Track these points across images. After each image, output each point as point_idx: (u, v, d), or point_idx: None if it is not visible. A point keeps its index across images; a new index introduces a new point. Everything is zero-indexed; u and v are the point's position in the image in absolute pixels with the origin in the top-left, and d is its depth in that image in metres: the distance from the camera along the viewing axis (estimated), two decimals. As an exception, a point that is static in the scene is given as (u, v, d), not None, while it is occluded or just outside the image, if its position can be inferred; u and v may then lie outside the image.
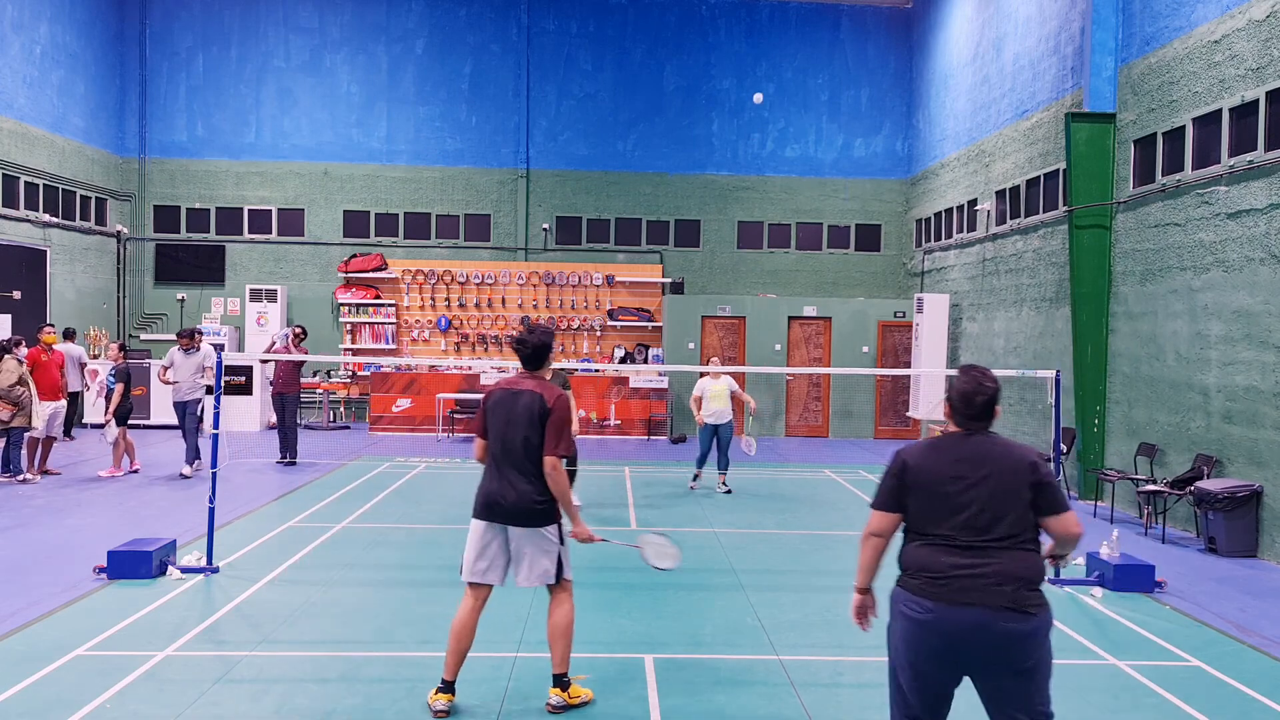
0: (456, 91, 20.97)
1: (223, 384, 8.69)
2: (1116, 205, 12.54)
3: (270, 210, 20.89)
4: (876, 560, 3.98)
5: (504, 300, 20.69)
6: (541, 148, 21.10)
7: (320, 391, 19.80)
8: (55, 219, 17.87)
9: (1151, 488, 10.61)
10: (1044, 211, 14.51)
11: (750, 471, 14.67)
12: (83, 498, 11.43)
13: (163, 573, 7.99)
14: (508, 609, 7.01)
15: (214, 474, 8.34)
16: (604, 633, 6.74)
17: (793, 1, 21.29)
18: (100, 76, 19.70)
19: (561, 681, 5.44)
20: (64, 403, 13.54)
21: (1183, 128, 11.19)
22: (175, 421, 17.52)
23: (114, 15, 20.17)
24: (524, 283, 20.71)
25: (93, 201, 19.40)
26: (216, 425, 8.43)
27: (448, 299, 20.64)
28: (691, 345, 19.27)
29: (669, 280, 20.87)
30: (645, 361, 19.98)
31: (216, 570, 8.14)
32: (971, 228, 17.51)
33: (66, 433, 16.64)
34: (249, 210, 20.87)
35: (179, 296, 20.40)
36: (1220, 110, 10.50)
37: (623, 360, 20.10)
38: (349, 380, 20.22)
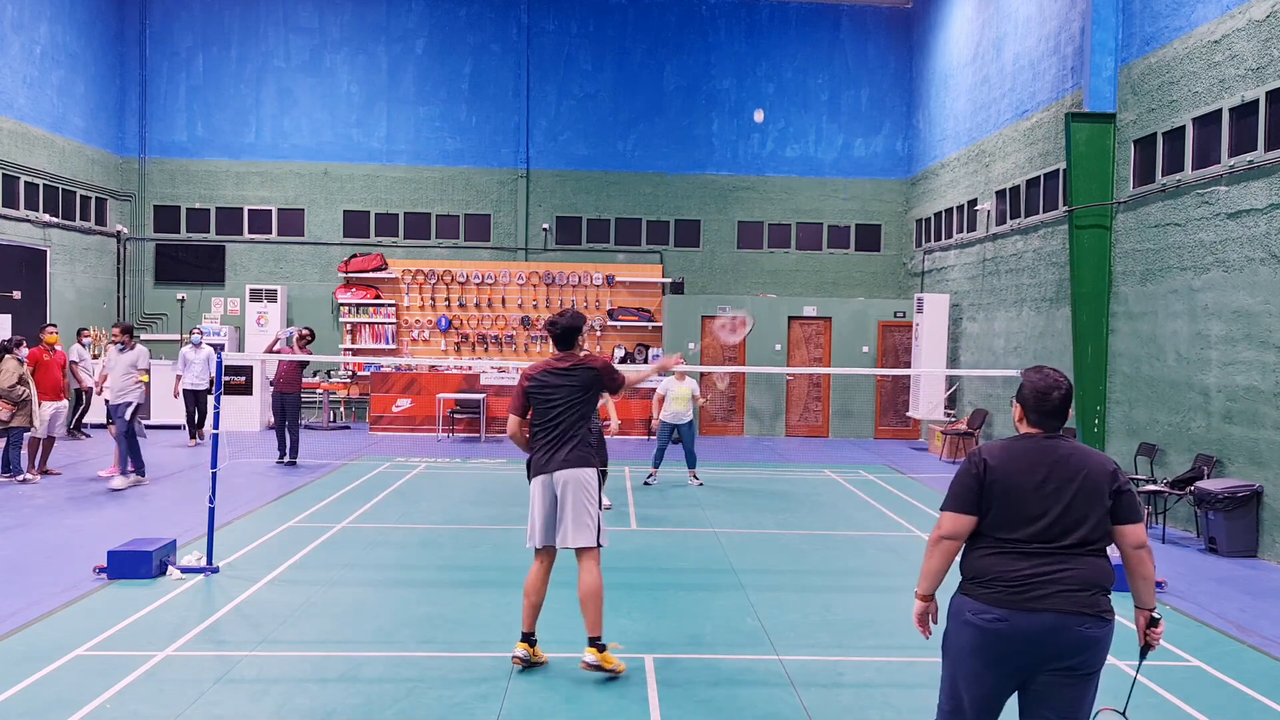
0: (456, 91, 20.97)
1: (223, 384, 8.69)
2: (1116, 205, 12.53)
3: (270, 210, 20.89)
4: (946, 566, 3.77)
5: (504, 300, 20.69)
6: (541, 148, 21.10)
7: (320, 391, 19.80)
8: (55, 219, 17.87)
9: (1152, 488, 10.61)
10: (1044, 211, 14.51)
11: (750, 471, 14.68)
12: (83, 498, 11.43)
13: (163, 573, 7.99)
14: (508, 611, 7.01)
15: (214, 474, 8.33)
16: (604, 633, 6.72)
17: (793, 1, 21.29)
18: (100, 76, 19.70)
19: (597, 644, 5.87)
20: (65, 403, 13.53)
21: (1183, 128, 11.19)
22: (176, 421, 17.67)
23: (114, 15, 20.17)
24: (524, 283, 20.70)
25: (93, 201, 19.40)
26: (216, 425, 8.43)
27: (448, 299, 20.64)
28: (692, 345, 19.26)
29: (669, 280, 20.87)
30: (645, 361, 19.97)
31: (216, 570, 8.14)
32: (971, 228, 17.51)
33: (79, 430, 16.64)
34: (249, 210, 20.87)
35: (179, 296, 20.40)
36: (1220, 110, 10.49)
37: (623, 360, 20.10)
38: (349, 380, 20.21)
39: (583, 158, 21.16)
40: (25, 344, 12.78)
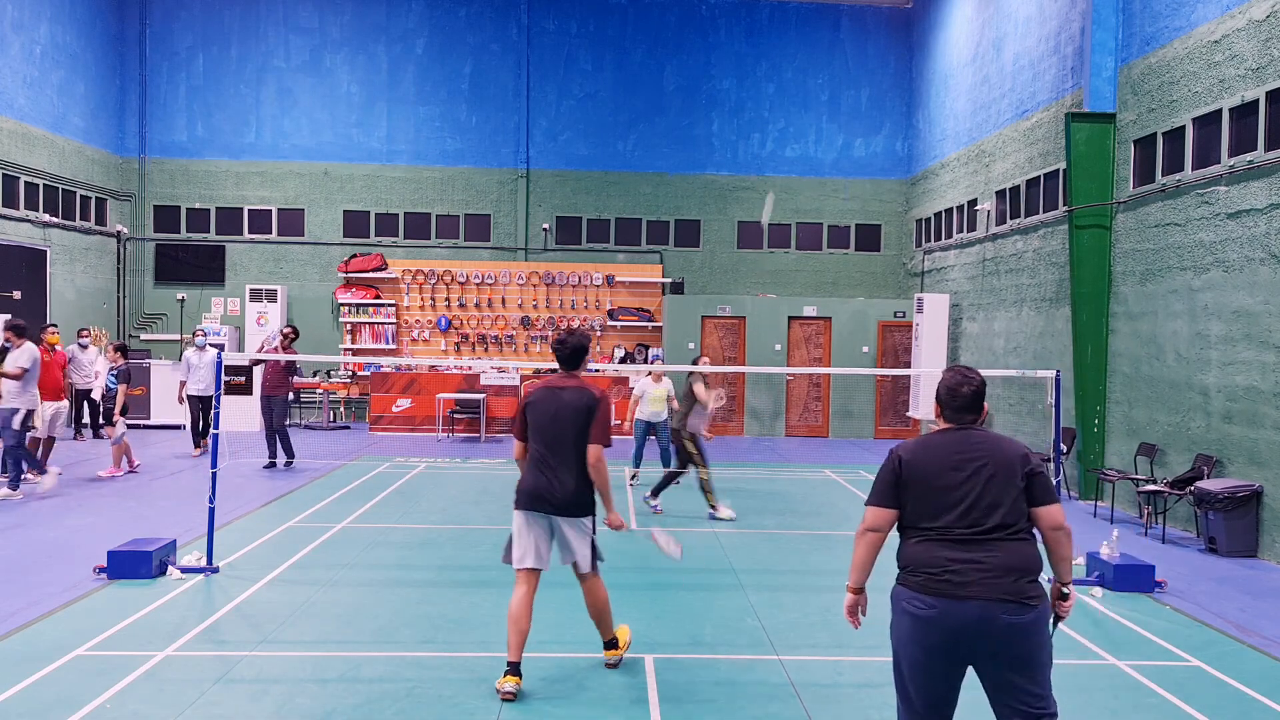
0: (456, 91, 20.98)
1: (223, 384, 8.69)
2: (1116, 205, 12.54)
3: (270, 210, 20.90)
4: (871, 558, 3.99)
5: (504, 300, 20.69)
6: (541, 148, 21.11)
7: (320, 391, 19.80)
8: (55, 219, 17.87)
9: (1151, 488, 10.61)
10: (1044, 211, 14.51)
11: (750, 471, 14.68)
12: (83, 498, 11.44)
13: (163, 573, 7.99)
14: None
15: (214, 474, 8.33)
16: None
17: (793, 1, 21.29)
18: (100, 76, 19.70)
19: (611, 644, 6.02)
20: (65, 403, 13.52)
21: (1183, 128, 11.19)
22: (176, 421, 17.65)
23: (114, 15, 20.17)
24: (524, 283, 20.71)
25: (93, 201, 19.40)
26: (217, 425, 8.44)
27: (448, 299, 20.64)
28: (691, 345, 19.27)
29: (669, 280, 20.87)
30: (645, 361, 19.97)
31: (216, 570, 8.14)
32: (971, 228, 17.51)
33: (96, 431, 16.44)
34: (249, 210, 20.87)
35: (179, 296, 20.40)
36: (1220, 110, 10.50)
37: (623, 360, 20.10)
38: (349, 380, 20.22)
39: (583, 158, 21.16)
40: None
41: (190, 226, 20.90)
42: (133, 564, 7.84)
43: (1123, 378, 12.33)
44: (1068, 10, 13.75)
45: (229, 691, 5.60)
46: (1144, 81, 11.99)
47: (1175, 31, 11.36)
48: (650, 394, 12.58)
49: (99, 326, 19.22)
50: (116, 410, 12.80)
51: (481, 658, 6.21)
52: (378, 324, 20.53)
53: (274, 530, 9.81)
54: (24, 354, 11.50)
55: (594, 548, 5.79)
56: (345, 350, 20.37)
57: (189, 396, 14.98)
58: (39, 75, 17.50)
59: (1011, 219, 15.73)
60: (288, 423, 14.43)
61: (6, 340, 11.69)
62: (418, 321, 20.62)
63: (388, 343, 20.52)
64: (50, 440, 13.04)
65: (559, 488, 5.62)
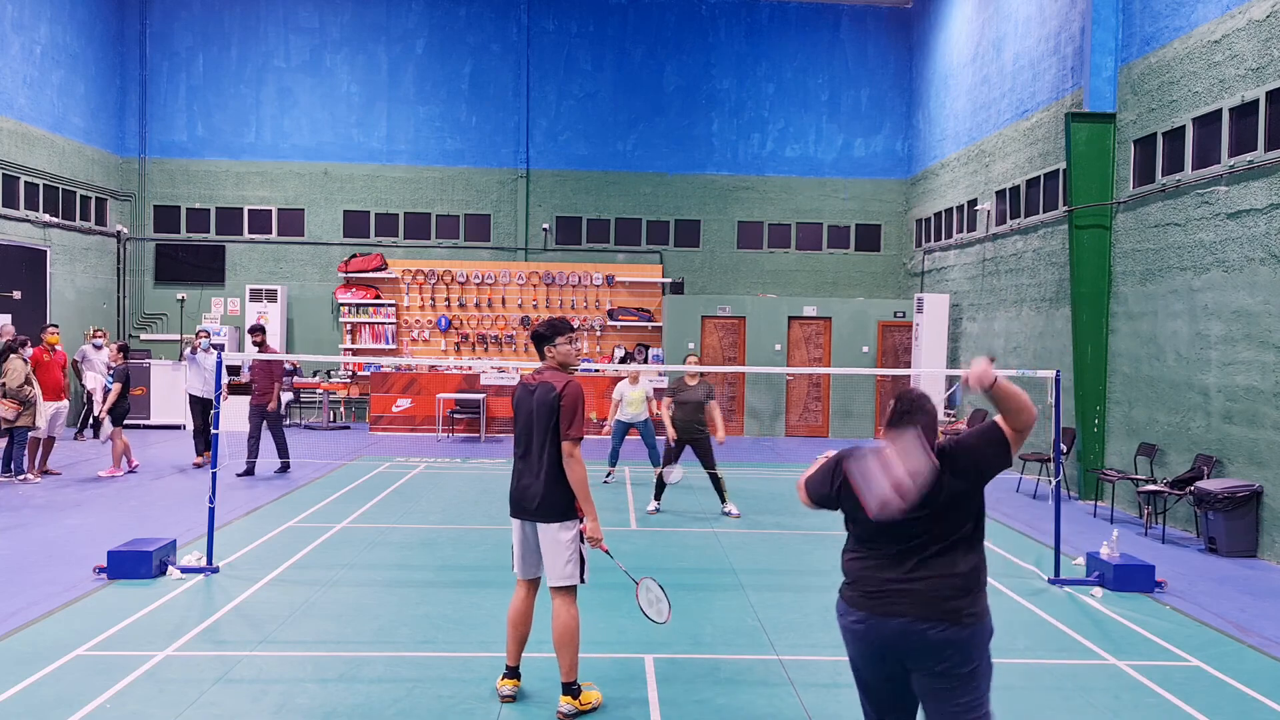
0: (456, 91, 20.97)
1: (224, 384, 8.69)
2: (1116, 205, 12.53)
3: (270, 210, 20.89)
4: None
5: (504, 300, 20.69)
6: (541, 148, 21.10)
7: (320, 391, 19.80)
8: (55, 219, 17.87)
9: (1151, 488, 10.61)
10: (1044, 211, 14.50)
11: (750, 471, 14.68)
12: (83, 498, 11.43)
13: (163, 573, 7.99)
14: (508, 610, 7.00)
15: (214, 474, 8.34)
16: (604, 633, 6.73)
17: (793, 1, 21.29)
18: (100, 76, 19.70)
19: (571, 689, 5.33)
20: (66, 403, 13.53)
21: (1183, 128, 11.19)
22: (176, 421, 17.67)
23: (114, 15, 20.17)
24: (524, 283, 20.70)
25: (93, 201, 19.40)
26: (217, 425, 8.44)
27: (448, 299, 20.64)
28: (692, 345, 19.27)
29: (669, 280, 20.87)
30: (645, 361, 19.97)
31: (216, 570, 8.14)
32: (971, 228, 17.51)
33: (96, 431, 16.39)
34: (249, 210, 20.87)
35: (179, 296, 20.39)
36: (1220, 110, 10.49)
37: (623, 360, 20.10)
38: (349, 380, 20.22)
39: (583, 158, 21.16)
40: (30, 344, 12.81)
41: (190, 226, 20.90)
42: (133, 564, 7.84)
43: (1123, 378, 12.33)
44: (1067, 10, 13.75)
45: (229, 691, 5.60)
46: (1144, 81, 11.99)
47: (1175, 31, 11.36)
48: (628, 396, 12.70)
49: (99, 326, 19.22)
50: (105, 409, 12.79)
51: (481, 658, 6.21)
52: (378, 324, 20.53)
53: (274, 530, 9.81)
54: None
55: (581, 561, 5.37)
56: (345, 350, 20.37)
57: (191, 398, 14.41)
58: (39, 75, 17.50)
59: (1011, 219, 15.73)
60: (287, 423, 14.34)
61: None
62: (418, 321, 20.62)
63: (388, 343, 20.52)
64: (50, 440, 13.05)
65: (531, 491, 5.34)
